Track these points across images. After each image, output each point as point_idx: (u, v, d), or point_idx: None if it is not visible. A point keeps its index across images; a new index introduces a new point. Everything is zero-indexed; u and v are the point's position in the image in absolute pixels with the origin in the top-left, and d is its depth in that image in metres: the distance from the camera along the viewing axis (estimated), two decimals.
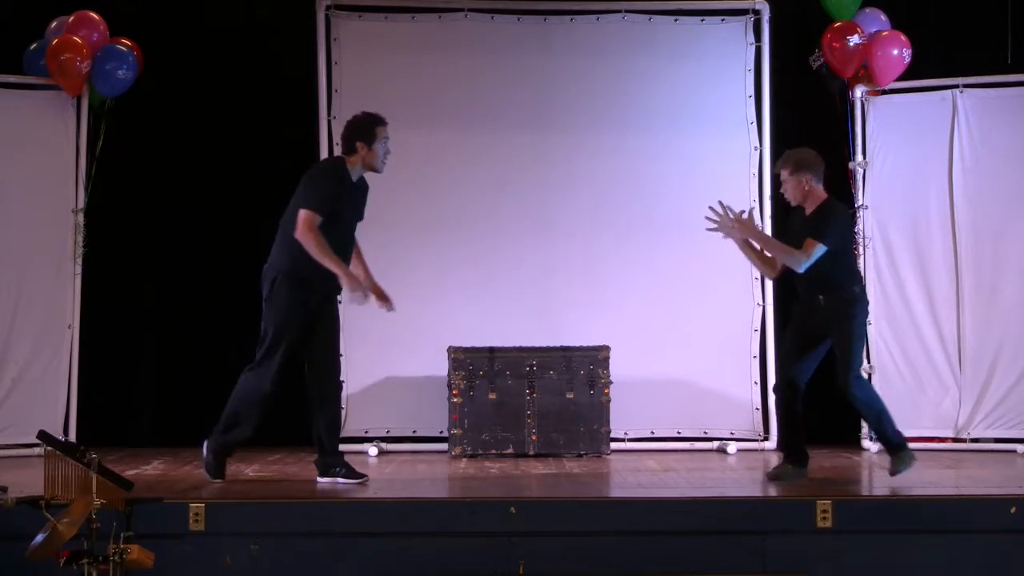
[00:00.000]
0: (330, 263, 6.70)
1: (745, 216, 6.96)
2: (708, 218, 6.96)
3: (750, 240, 7.03)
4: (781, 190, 7.06)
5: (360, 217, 7.13)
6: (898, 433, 6.97)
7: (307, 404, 7.00)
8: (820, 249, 6.74)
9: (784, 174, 6.97)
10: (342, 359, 8.65)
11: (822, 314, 6.87)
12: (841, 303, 6.84)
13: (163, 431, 9.02)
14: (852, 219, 7.01)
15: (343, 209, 6.88)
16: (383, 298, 7.00)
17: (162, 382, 9.19)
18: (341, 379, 7.22)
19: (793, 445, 7.04)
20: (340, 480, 6.92)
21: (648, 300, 8.97)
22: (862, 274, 8.19)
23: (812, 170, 6.90)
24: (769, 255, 7.03)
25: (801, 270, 6.81)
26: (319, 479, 6.98)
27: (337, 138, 8.88)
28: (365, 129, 6.95)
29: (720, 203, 6.94)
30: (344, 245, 6.91)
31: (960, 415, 8.65)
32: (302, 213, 6.75)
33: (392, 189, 8.91)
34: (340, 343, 7.15)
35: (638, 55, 9.12)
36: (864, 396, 6.94)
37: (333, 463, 6.99)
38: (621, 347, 8.63)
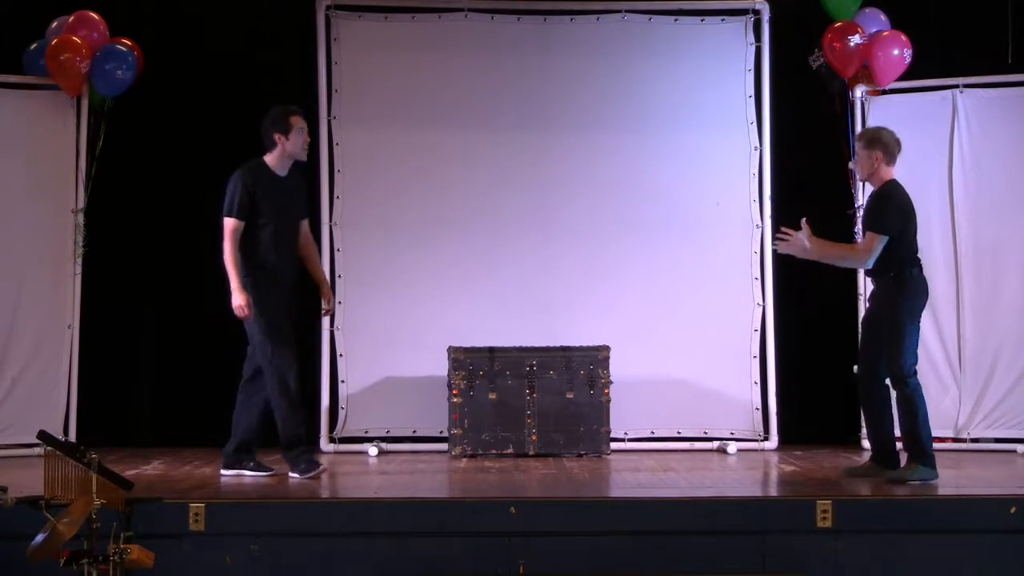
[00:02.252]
0: (231, 273, 6.97)
1: (805, 233, 6.81)
2: (779, 238, 6.92)
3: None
4: (851, 164, 6.96)
5: (301, 214, 7.32)
6: (928, 444, 6.78)
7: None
8: (881, 240, 6.69)
9: (858, 146, 7.01)
10: (341, 359, 8.73)
11: (875, 298, 6.83)
12: (888, 287, 6.75)
13: (163, 431, 9.02)
14: (909, 201, 6.86)
15: (264, 209, 7.07)
16: (326, 301, 7.40)
17: (162, 382, 9.19)
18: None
19: (879, 440, 6.95)
20: (248, 472, 7.22)
21: (648, 300, 8.97)
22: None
23: (885, 149, 6.90)
24: (833, 260, 6.91)
25: (869, 266, 6.76)
26: (228, 471, 7.24)
27: (337, 138, 8.95)
28: (280, 120, 7.16)
29: (804, 222, 6.82)
30: (280, 244, 7.13)
31: (960, 415, 8.65)
32: (224, 221, 7.05)
33: (391, 188, 8.97)
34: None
35: (638, 55, 9.12)
36: (907, 394, 6.74)
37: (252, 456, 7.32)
38: (621, 347, 8.62)
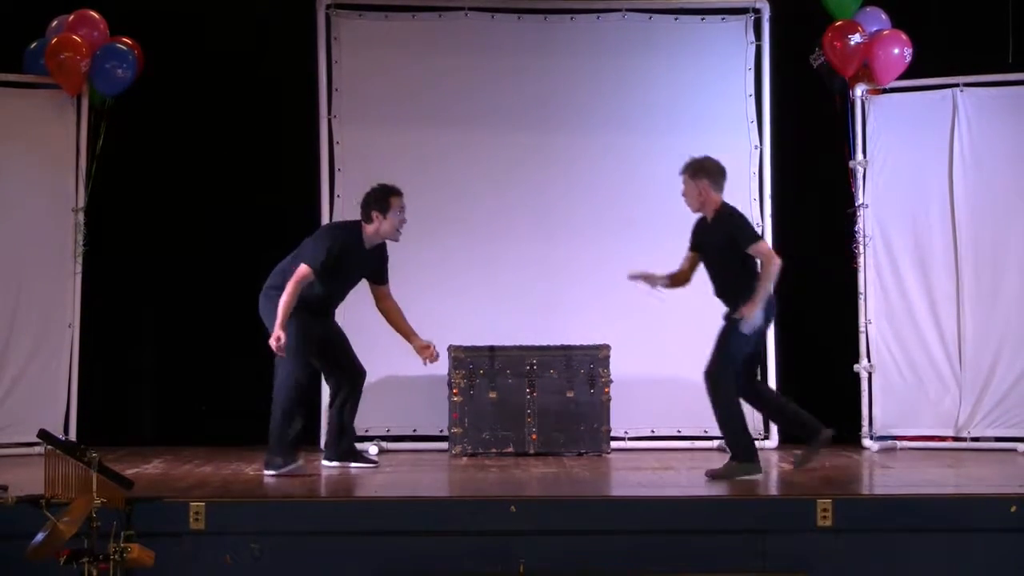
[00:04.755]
0: (281, 312, 7.04)
1: (744, 314, 6.85)
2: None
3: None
4: (682, 193, 7.10)
5: (379, 281, 7.50)
6: (748, 443, 6.95)
7: (332, 400, 7.57)
8: (765, 243, 6.95)
9: (684, 178, 7.07)
10: None
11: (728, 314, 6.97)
12: (736, 299, 6.86)
13: (163, 430, 9.03)
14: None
15: (338, 274, 7.23)
16: (428, 352, 7.46)
17: (162, 381, 9.20)
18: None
19: (795, 427, 7.12)
20: (354, 464, 7.52)
21: (648, 299, 8.93)
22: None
23: (710, 176, 6.99)
24: (767, 289, 6.94)
25: (779, 262, 6.84)
26: (332, 463, 7.49)
27: (338, 137, 8.96)
28: (381, 199, 7.28)
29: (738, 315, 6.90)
30: (335, 297, 7.37)
31: (960, 414, 8.64)
32: (301, 266, 7.12)
33: None
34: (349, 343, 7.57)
35: (638, 54, 9.12)
36: (718, 395, 6.92)
37: (354, 448, 7.63)
38: (621, 346, 8.62)
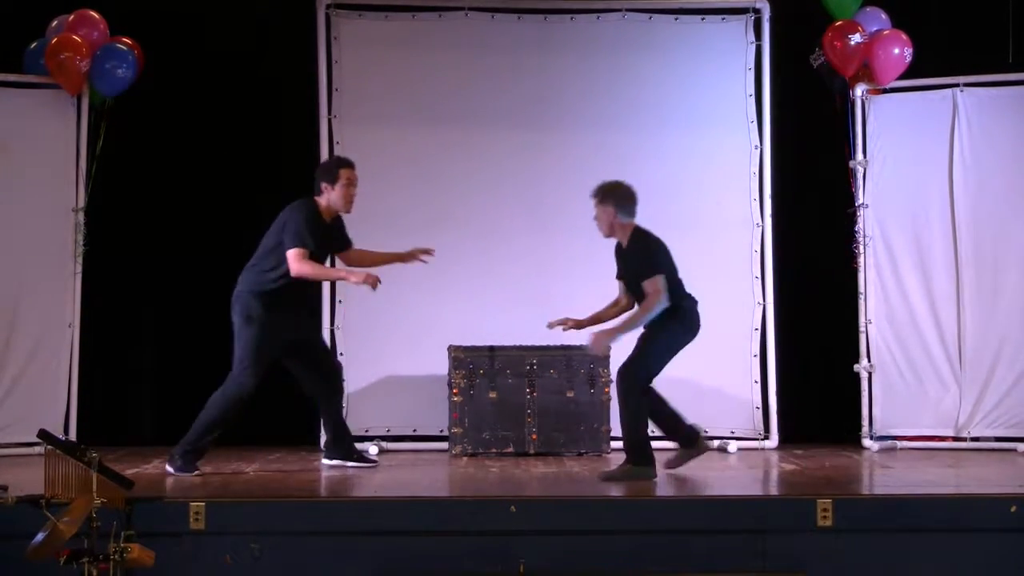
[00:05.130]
0: (331, 275, 7.41)
1: (595, 338, 7.04)
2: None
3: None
4: (593, 217, 7.16)
5: (347, 247, 7.57)
6: (646, 447, 7.01)
7: (317, 402, 7.59)
8: (663, 279, 6.92)
9: (593, 203, 7.14)
10: (342, 358, 8.74)
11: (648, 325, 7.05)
12: (663, 316, 6.95)
13: (163, 430, 8.99)
14: (660, 239, 7.15)
15: (316, 247, 7.23)
16: (419, 252, 7.57)
17: (162, 381, 9.20)
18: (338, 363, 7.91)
19: (675, 432, 7.25)
20: (351, 464, 7.56)
21: None
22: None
23: (618, 201, 7.06)
24: (638, 326, 7.05)
25: (666, 305, 6.91)
26: (332, 462, 7.55)
27: (338, 137, 8.96)
28: (329, 170, 7.37)
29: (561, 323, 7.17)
30: (307, 282, 7.36)
31: (960, 414, 8.64)
32: (292, 252, 7.11)
33: (392, 187, 8.96)
34: (323, 340, 7.73)
35: (638, 54, 9.12)
36: (629, 398, 6.98)
37: (353, 447, 7.66)
38: (621, 346, 8.59)
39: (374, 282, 7.09)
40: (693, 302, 7.12)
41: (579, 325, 7.23)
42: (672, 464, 7.24)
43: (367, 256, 7.63)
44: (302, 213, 7.21)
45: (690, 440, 7.23)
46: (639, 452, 7.00)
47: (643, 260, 6.99)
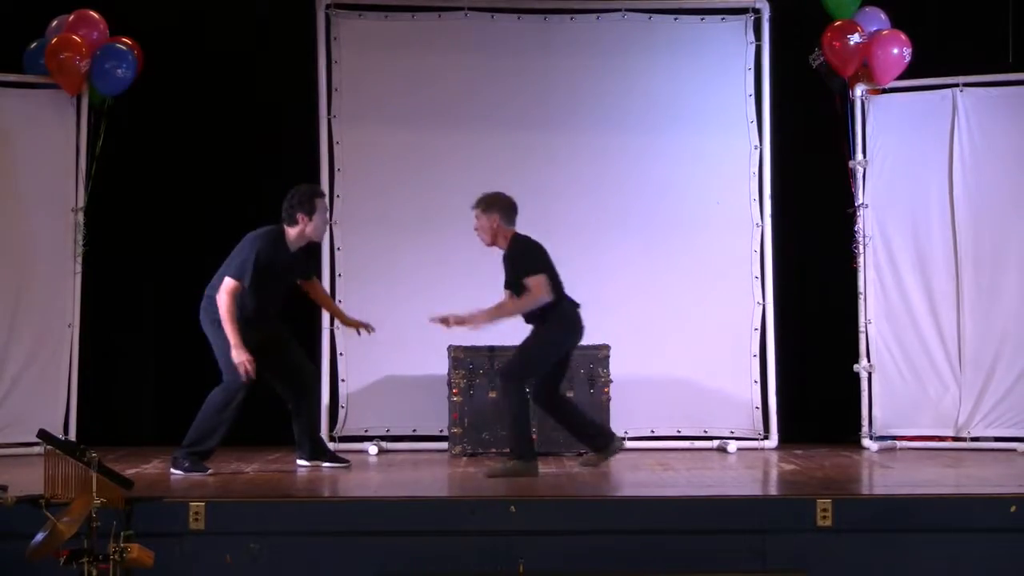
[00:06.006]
0: (229, 330, 7.07)
1: (461, 318, 7.25)
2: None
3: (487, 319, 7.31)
4: (475, 228, 7.32)
5: (306, 276, 7.61)
6: (529, 444, 7.27)
7: (288, 405, 7.62)
8: (543, 278, 7.11)
9: (476, 213, 7.30)
10: (341, 358, 8.74)
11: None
12: (545, 318, 7.16)
13: (163, 430, 9.00)
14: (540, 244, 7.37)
15: (268, 281, 7.23)
16: (362, 325, 7.61)
17: (162, 381, 9.19)
18: (315, 367, 8.07)
19: (587, 437, 7.56)
20: (326, 464, 7.58)
21: (648, 299, 8.96)
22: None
23: (502, 211, 7.25)
24: (510, 316, 7.29)
25: (547, 300, 7.11)
26: (306, 463, 7.56)
27: (338, 137, 8.96)
28: (306, 201, 7.32)
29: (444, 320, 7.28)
30: (269, 305, 7.32)
31: (960, 413, 8.64)
32: (227, 280, 7.14)
33: (392, 187, 8.97)
34: (294, 343, 7.63)
35: (638, 54, 9.12)
36: (510, 396, 7.19)
37: (324, 447, 7.76)
38: (621, 346, 8.62)
39: (243, 371, 7.05)
40: (574, 305, 7.32)
41: (460, 321, 7.32)
42: (585, 463, 7.56)
43: (320, 294, 7.81)
44: (257, 249, 7.20)
45: (602, 445, 7.51)
46: (523, 449, 7.20)
47: (526, 261, 7.19)
